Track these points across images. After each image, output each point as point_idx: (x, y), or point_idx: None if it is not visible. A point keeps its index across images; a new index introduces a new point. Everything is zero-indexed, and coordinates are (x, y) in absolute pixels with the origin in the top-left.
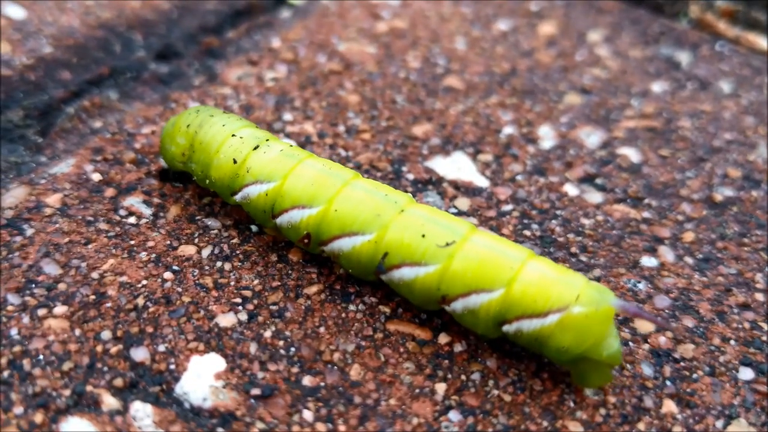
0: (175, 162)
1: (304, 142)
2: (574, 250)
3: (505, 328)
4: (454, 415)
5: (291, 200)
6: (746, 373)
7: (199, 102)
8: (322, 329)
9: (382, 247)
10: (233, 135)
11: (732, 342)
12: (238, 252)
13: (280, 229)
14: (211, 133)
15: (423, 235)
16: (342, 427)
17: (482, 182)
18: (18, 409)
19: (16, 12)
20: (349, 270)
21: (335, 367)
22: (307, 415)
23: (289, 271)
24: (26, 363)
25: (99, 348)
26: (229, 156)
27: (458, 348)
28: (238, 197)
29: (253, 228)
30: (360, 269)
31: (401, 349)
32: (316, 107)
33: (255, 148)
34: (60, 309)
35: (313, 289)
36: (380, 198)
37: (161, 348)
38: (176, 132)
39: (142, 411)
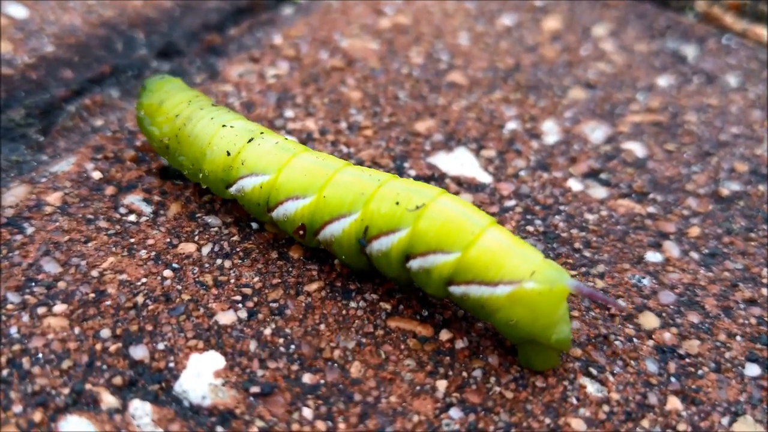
0: (153, 142)
1: (306, 139)
2: (577, 245)
3: (452, 288)
4: (455, 413)
5: (286, 192)
6: (752, 370)
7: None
8: (322, 326)
9: (365, 222)
10: (224, 126)
11: (738, 338)
12: (238, 249)
13: (276, 222)
14: (200, 126)
15: (397, 203)
16: (342, 425)
17: (485, 178)
18: (17, 408)
19: (18, 11)
20: (342, 258)
21: (335, 365)
22: (307, 413)
23: (290, 269)
24: (25, 361)
25: (98, 346)
26: (223, 148)
27: (460, 345)
28: (232, 190)
29: (254, 225)
30: (352, 254)
31: (402, 346)
32: (317, 104)
33: (249, 141)
34: (59, 307)
35: (314, 286)
36: (365, 178)
37: (160, 346)
38: (161, 116)
39: (141, 409)
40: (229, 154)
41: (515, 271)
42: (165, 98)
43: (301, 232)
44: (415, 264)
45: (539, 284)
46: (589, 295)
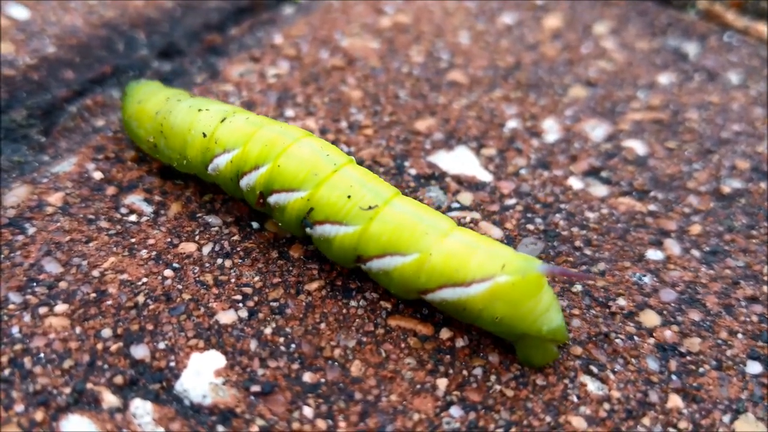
0: (141, 143)
1: None
2: (578, 243)
3: (429, 297)
4: (455, 411)
5: (250, 164)
6: (754, 367)
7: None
8: (322, 325)
9: (312, 203)
10: (200, 110)
11: (739, 335)
12: (238, 249)
13: (245, 197)
14: (180, 117)
15: (349, 196)
16: (342, 424)
17: (485, 177)
18: (19, 407)
19: (19, 12)
20: (279, 224)
21: (336, 364)
22: (308, 411)
23: (290, 268)
24: (27, 361)
25: (99, 346)
26: (199, 131)
27: (460, 343)
28: (210, 170)
29: (254, 225)
30: (291, 223)
31: (402, 345)
32: (318, 103)
33: (222, 120)
34: (61, 307)
35: (314, 285)
36: (321, 157)
37: (161, 345)
38: (143, 116)
39: (141, 408)
40: (205, 135)
41: (484, 267)
42: (144, 99)
43: (261, 201)
44: (373, 266)
45: (511, 276)
46: (561, 274)
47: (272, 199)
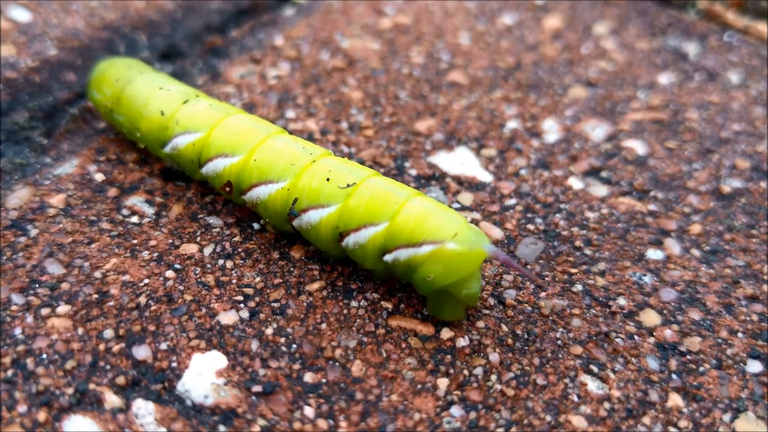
0: (99, 108)
1: (307, 139)
2: (578, 243)
3: (386, 257)
4: (456, 411)
5: (216, 149)
6: (754, 366)
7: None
8: (323, 326)
9: (294, 193)
10: (160, 88)
11: (740, 334)
12: (239, 250)
13: (206, 179)
14: (138, 88)
15: (328, 179)
16: (343, 424)
17: (486, 177)
18: (22, 408)
19: (21, 15)
20: (267, 219)
21: (337, 364)
22: (309, 411)
23: (291, 269)
24: (30, 362)
25: (101, 346)
26: (157, 108)
27: (461, 343)
28: (167, 148)
29: (255, 226)
30: (276, 217)
31: (403, 345)
32: (318, 104)
33: (184, 102)
34: (63, 308)
35: (315, 285)
36: (297, 149)
37: (163, 346)
38: (104, 82)
39: (144, 409)
40: (163, 114)
41: (438, 231)
42: (107, 69)
43: (228, 189)
44: (351, 241)
45: (459, 245)
46: (504, 262)
47: (253, 194)
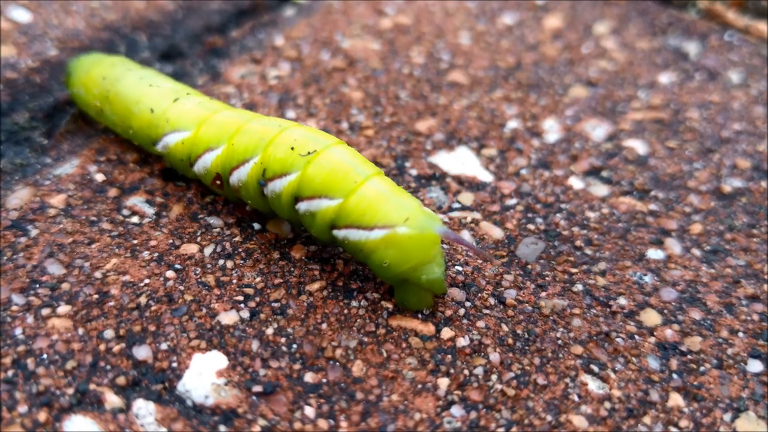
0: (87, 108)
1: None
2: (579, 243)
3: (335, 232)
4: (456, 410)
5: (203, 145)
6: (755, 366)
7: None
8: (324, 326)
9: (264, 165)
10: (150, 85)
11: (740, 334)
12: (240, 250)
13: (199, 178)
14: (128, 86)
15: (292, 148)
16: (344, 424)
17: (486, 177)
18: (22, 408)
19: (21, 15)
20: (249, 202)
21: (337, 364)
22: (309, 411)
23: (292, 269)
24: (30, 362)
25: (102, 347)
26: (148, 106)
27: (461, 343)
28: (159, 146)
29: (256, 226)
30: (256, 198)
31: (404, 345)
32: (319, 104)
33: (175, 100)
34: (63, 308)
35: (316, 285)
36: (269, 126)
37: (163, 346)
38: (90, 81)
39: (144, 409)
40: (153, 111)
41: (389, 216)
42: (90, 67)
43: (218, 182)
44: (302, 206)
45: (411, 229)
46: (455, 241)
47: (234, 178)
